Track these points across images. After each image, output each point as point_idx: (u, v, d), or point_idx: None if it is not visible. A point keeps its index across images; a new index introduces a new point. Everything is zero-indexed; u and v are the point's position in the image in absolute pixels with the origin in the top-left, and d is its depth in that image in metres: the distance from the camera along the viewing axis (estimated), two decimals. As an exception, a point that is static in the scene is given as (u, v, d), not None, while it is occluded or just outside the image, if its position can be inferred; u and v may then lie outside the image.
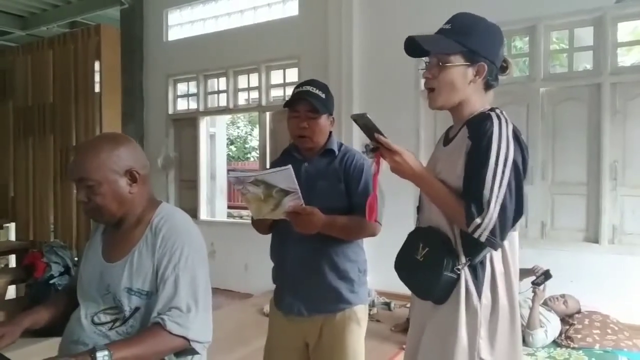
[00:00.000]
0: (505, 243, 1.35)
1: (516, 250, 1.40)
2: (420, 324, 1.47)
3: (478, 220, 1.25)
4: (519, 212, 1.31)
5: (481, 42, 1.38)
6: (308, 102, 1.85)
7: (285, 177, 1.59)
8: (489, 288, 1.35)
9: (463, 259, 1.34)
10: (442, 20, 1.44)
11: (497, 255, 1.36)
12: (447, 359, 1.34)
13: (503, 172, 1.27)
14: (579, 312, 3.72)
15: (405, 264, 1.48)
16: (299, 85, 1.94)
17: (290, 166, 1.59)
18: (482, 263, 1.35)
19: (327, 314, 1.88)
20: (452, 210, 1.32)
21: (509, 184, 1.27)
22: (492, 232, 1.25)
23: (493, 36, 1.41)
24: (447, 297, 1.36)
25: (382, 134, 1.34)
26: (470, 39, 1.36)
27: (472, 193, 1.27)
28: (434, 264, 1.35)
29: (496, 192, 1.25)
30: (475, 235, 1.26)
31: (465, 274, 1.35)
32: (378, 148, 1.36)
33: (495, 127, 1.29)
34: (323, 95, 1.89)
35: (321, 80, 2.00)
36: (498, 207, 1.25)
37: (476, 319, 1.33)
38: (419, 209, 1.59)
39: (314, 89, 1.88)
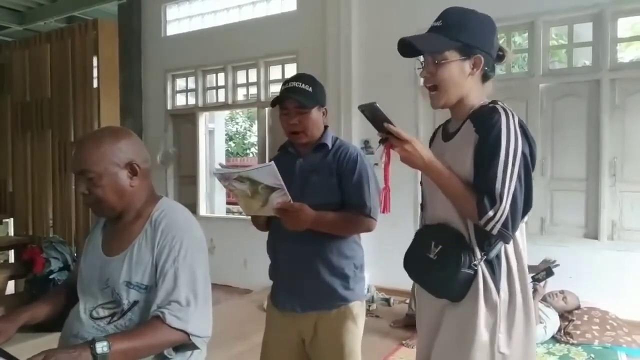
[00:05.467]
0: (518, 235, 1.35)
1: (525, 242, 1.40)
2: (434, 324, 1.45)
3: (491, 213, 1.24)
4: (528, 204, 1.31)
5: (474, 34, 1.37)
6: (294, 99, 1.85)
7: (269, 174, 1.57)
8: (506, 282, 1.34)
9: (479, 254, 1.33)
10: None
11: (510, 248, 1.35)
12: (465, 355, 1.32)
13: (513, 164, 1.26)
14: (578, 308, 3.73)
15: (417, 263, 1.46)
16: (285, 81, 1.93)
17: (272, 162, 1.58)
18: (498, 257, 1.34)
19: (322, 310, 1.87)
20: (463, 202, 1.31)
21: (518, 176, 1.27)
22: (505, 224, 1.25)
23: (485, 26, 1.40)
24: (464, 294, 1.35)
25: (391, 123, 1.31)
26: (463, 32, 1.36)
27: (483, 186, 1.26)
28: (450, 262, 1.33)
29: (507, 184, 1.25)
30: (488, 228, 1.26)
31: (483, 269, 1.33)
32: (387, 139, 1.34)
33: (503, 120, 1.29)
34: (310, 89, 1.87)
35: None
36: (510, 200, 1.25)
37: (496, 314, 1.32)
38: (422, 207, 1.57)
39: (300, 83, 1.87)
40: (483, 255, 1.33)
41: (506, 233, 1.27)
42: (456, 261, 1.32)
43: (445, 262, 1.35)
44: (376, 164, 1.41)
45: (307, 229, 1.72)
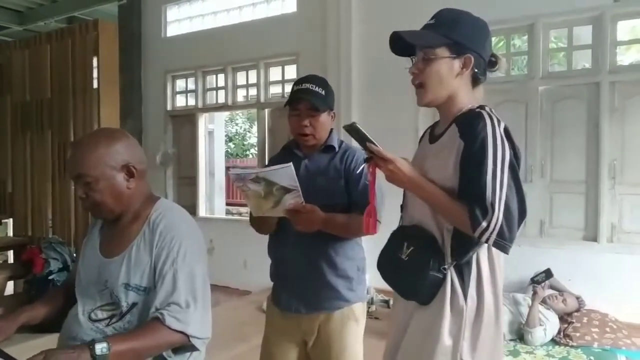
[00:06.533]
0: None
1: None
2: (402, 324, 1.44)
3: (484, 224, 1.21)
4: (522, 211, 1.28)
5: (466, 33, 1.36)
6: (308, 100, 1.84)
7: (286, 175, 1.58)
8: (474, 289, 1.32)
9: (449, 259, 1.32)
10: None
11: (483, 255, 1.33)
12: (428, 359, 1.32)
13: (502, 172, 1.24)
14: (578, 310, 3.73)
15: (388, 263, 1.45)
16: (298, 82, 1.93)
17: (291, 164, 1.58)
18: (469, 263, 1.32)
19: (325, 312, 1.87)
20: (454, 215, 1.28)
21: (509, 184, 1.25)
22: (500, 234, 1.22)
23: (478, 29, 1.40)
24: (432, 297, 1.33)
25: (373, 143, 1.31)
26: (455, 31, 1.35)
27: (474, 197, 1.24)
28: (419, 263, 1.32)
29: (498, 193, 1.22)
30: (483, 239, 1.23)
31: (452, 274, 1.32)
32: (372, 158, 1.33)
33: (489, 127, 1.27)
34: (322, 92, 1.87)
35: (319, 76, 1.98)
36: (502, 209, 1.22)
37: (461, 320, 1.31)
38: (402, 208, 1.56)
39: (313, 86, 1.87)
40: (454, 260, 1.32)
41: (503, 243, 1.23)
42: (425, 263, 1.31)
43: (414, 263, 1.34)
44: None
45: (316, 230, 1.73)
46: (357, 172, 1.81)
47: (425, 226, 1.38)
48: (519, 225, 1.27)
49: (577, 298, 3.78)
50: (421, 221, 1.39)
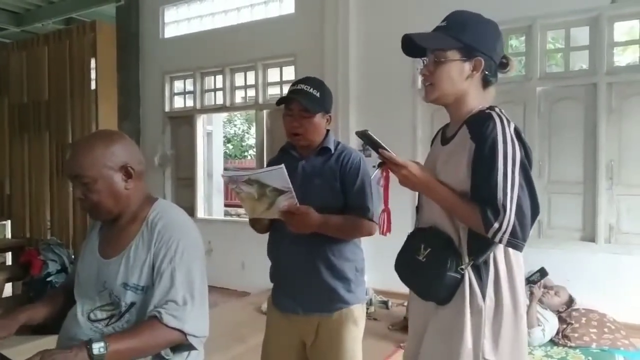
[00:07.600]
0: None
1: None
2: (421, 325, 1.46)
3: (496, 225, 1.24)
4: (535, 210, 1.30)
5: (476, 37, 1.38)
6: (299, 101, 1.85)
7: (279, 177, 1.58)
8: (492, 288, 1.34)
9: (466, 259, 1.34)
10: (439, 18, 1.45)
11: (500, 254, 1.35)
12: (451, 359, 1.33)
13: (513, 172, 1.26)
14: (572, 300, 3.74)
15: (406, 265, 1.47)
16: (294, 83, 1.94)
17: (282, 166, 1.58)
18: (486, 263, 1.34)
19: (324, 313, 1.87)
20: (467, 217, 1.31)
21: (520, 184, 1.27)
22: (513, 234, 1.24)
23: (489, 31, 1.42)
24: (450, 297, 1.35)
25: (385, 149, 1.34)
26: (466, 34, 1.37)
27: (486, 198, 1.26)
28: (436, 264, 1.34)
29: (509, 194, 1.24)
30: (496, 239, 1.25)
31: (469, 274, 1.34)
32: (385, 163, 1.36)
33: (499, 128, 1.29)
34: (317, 94, 1.87)
35: (317, 78, 1.99)
36: (514, 209, 1.24)
37: (480, 320, 1.32)
38: (417, 209, 1.58)
39: (309, 87, 1.88)
40: (471, 260, 1.34)
41: (517, 242, 1.26)
42: (443, 264, 1.33)
43: (432, 264, 1.36)
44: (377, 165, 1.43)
45: (312, 232, 1.73)
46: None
47: (441, 227, 1.40)
48: (532, 224, 1.29)
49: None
50: (437, 222, 1.41)
